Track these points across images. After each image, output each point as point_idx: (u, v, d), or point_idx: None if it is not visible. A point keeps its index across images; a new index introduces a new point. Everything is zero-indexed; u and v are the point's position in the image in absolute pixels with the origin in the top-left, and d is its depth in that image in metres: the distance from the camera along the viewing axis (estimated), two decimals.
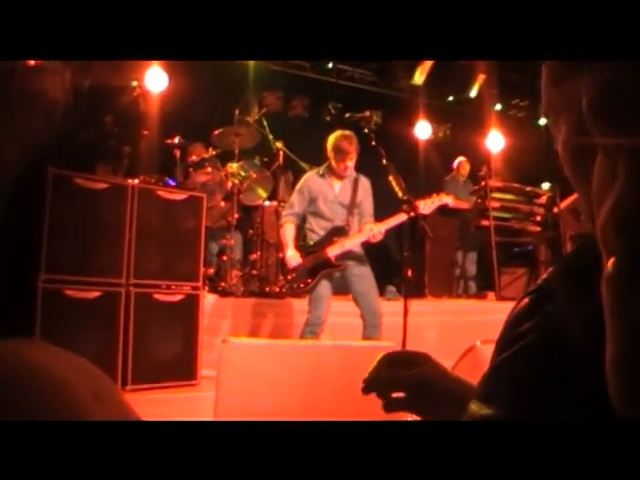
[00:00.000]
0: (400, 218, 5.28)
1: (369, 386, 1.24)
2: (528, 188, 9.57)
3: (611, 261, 0.37)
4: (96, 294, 4.97)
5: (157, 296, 5.32)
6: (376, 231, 5.35)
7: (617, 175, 0.37)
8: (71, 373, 0.62)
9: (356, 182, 5.60)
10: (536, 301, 0.68)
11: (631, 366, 0.37)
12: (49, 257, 4.77)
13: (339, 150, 5.43)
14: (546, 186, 10.13)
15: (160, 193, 5.50)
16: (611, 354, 0.39)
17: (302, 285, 5.45)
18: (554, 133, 0.59)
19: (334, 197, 5.56)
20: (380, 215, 5.61)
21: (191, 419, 4.31)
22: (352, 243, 5.42)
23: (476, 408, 0.67)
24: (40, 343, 0.62)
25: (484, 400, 0.67)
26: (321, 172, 5.64)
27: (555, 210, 9.15)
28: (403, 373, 1.21)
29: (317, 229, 5.56)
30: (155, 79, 7.85)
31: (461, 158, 10.19)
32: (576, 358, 0.57)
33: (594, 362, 0.48)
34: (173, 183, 7.09)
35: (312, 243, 5.53)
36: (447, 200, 5.61)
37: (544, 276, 0.70)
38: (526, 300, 0.69)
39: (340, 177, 5.57)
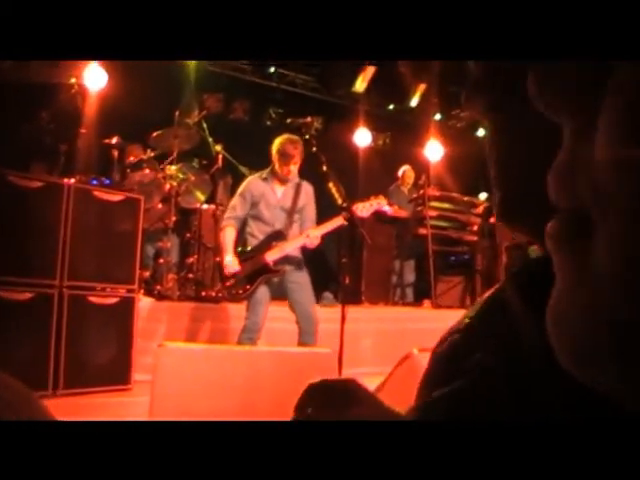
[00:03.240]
0: (337, 222, 5.28)
1: None
2: (466, 198, 9.69)
3: (555, 217, 0.38)
4: (28, 295, 4.85)
5: (92, 298, 5.22)
6: (312, 236, 5.35)
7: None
8: None
9: (299, 187, 5.59)
10: (475, 334, 0.65)
11: (568, 315, 0.37)
12: None
13: (284, 153, 5.41)
14: (483, 196, 10.26)
15: (96, 193, 5.41)
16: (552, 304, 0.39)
17: (240, 291, 5.42)
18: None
19: (276, 201, 5.54)
20: (320, 222, 5.62)
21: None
22: (291, 247, 5.40)
23: None
24: None
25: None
26: (264, 176, 5.62)
27: (492, 220, 9.28)
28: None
29: (257, 233, 5.53)
30: (94, 77, 7.72)
31: (405, 167, 10.20)
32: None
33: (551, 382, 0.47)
34: (109, 183, 6.98)
35: (251, 248, 5.50)
36: (384, 203, 5.64)
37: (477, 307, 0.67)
38: (464, 327, 0.66)
39: (283, 181, 5.56)
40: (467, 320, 0.66)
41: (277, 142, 5.48)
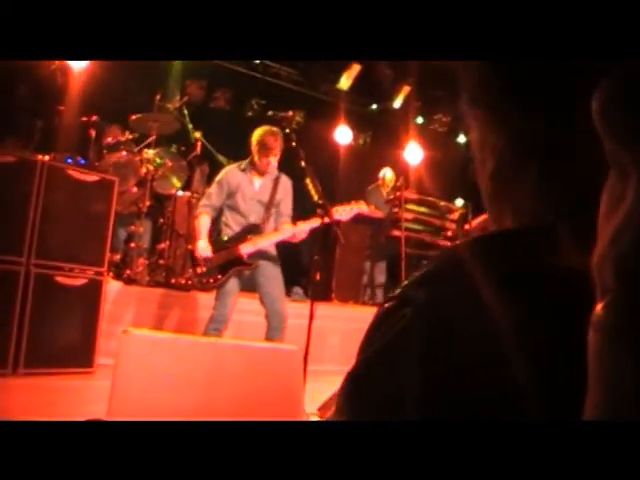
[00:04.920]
0: (314, 223, 5.26)
1: None
2: (442, 203, 9.69)
3: (604, 302, 0.31)
4: None
5: (58, 278, 5.16)
6: (299, 230, 5.32)
7: (624, 199, 0.32)
8: None
9: (277, 180, 5.57)
10: (389, 310, 0.66)
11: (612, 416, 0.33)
12: None
13: (264, 145, 5.40)
14: (460, 202, 10.29)
15: (70, 173, 5.34)
16: (594, 404, 0.34)
17: (211, 280, 5.38)
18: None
19: (253, 193, 5.51)
20: (295, 217, 5.60)
21: (85, 407, 4.20)
22: (266, 242, 5.38)
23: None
24: None
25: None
26: (243, 166, 5.59)
27: (466, 227, 9.29)
28: None
29: (232, 224, 5.50)
30: None
31: (387, 169, 10.18)
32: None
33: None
34: (84, 163, 6.89)
35: (226, 238, 5.47)
36: (364, 209, 5.63)
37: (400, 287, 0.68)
38: (383, 307, 0.67)
39: (261, 173, 5.53)
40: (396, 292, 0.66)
41: (257, 133, 5.46)
